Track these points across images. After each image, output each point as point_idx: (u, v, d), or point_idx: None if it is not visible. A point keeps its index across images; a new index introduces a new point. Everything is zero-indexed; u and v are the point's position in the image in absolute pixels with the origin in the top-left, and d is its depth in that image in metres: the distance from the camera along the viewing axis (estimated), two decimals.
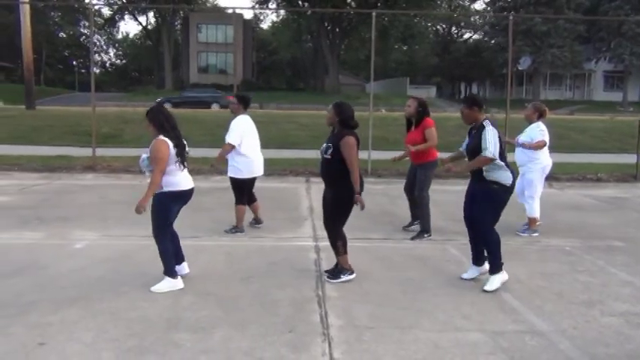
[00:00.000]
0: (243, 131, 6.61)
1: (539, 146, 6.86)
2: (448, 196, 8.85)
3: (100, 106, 17.59)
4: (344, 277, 5.10)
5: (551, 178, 11.59)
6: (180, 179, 4.77)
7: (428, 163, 6.75)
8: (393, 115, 19.19)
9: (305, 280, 5.09)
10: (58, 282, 4.93)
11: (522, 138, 7.00)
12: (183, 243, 5.24)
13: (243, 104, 6.79)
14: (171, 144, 4.64)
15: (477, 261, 5.24)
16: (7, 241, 6.34)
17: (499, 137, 4.91)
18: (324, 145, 5.07)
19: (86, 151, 12.85)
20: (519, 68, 48.31)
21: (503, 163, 4.93)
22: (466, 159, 5.26)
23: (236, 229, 6.84)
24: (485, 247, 5.07)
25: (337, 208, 5.04)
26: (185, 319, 4.13)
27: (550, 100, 46.77)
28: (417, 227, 7.01)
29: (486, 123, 4.94)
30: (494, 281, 4.94)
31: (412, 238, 6.77)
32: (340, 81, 53.48)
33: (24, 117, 20.04)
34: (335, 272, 5.16)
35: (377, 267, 5.57)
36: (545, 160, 6.98)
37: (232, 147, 6.54)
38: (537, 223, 7.14)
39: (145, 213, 4.56)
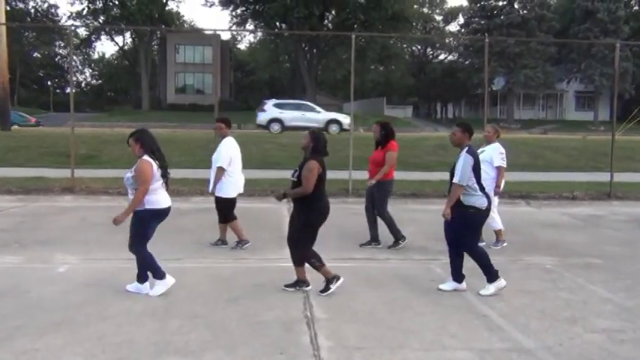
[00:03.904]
0: (231, 153, 6.99)
1: (502, 175, 7.27)
2: (429, 216, 8.95)
3: (77, 126, 17.41)
4: (333, 287, 5.28)
5: (528, 196, 11.87)
6: (160, 198, 5.07)
7: (383, 182, 7.18)
8: (371, 136, 19.40)
9: (292, 302, 5.10)
10: (42, 306, 4.86)
11: (481, 157, 7.34)
12: (166, 265, 5.34)
13: (229, 126, 7.18)
14: (154, 165, 4.93)
15: (456, 277, 5.54)
16: None
17: (475, 163, 5.26)
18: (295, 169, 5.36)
19: (64, 173, 12.67)
20: (493, 89, 49.23)
21: (477, 188, 5.30)
22: None
23: (241, 242, 7.15)
24: (477, 263, 5.41)
25: (303, 230, 5.31)
26: (174, 343, 4.10)
27: (524, 119, 47.79)
28: (399, 246, 7.30)
29: (464, 152, 5.31)
30: (490, 288, 5.37)
31: (389, 247, 7.26)
32: (318, 101, 53.75)
33: None
34: (324, 286, 5.31)
35: (363, 287, 5.60)
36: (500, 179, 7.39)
37: (224, 170, 6.89)
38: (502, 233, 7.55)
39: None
